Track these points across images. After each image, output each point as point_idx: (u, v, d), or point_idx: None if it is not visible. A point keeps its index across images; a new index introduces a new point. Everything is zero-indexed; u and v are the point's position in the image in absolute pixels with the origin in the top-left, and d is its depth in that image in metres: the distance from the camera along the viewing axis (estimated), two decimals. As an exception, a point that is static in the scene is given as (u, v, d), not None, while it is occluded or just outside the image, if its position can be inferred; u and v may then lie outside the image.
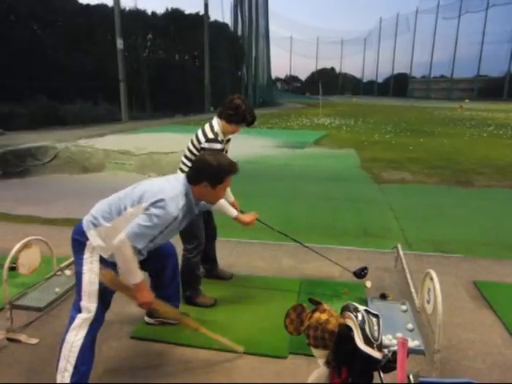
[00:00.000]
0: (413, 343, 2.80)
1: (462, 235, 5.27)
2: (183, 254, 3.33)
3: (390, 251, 4.36)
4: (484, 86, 65.72)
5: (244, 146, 11.85)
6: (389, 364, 1.49)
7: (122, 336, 2.93)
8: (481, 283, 3.84)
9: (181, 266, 3.35)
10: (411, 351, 2.54)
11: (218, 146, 3.10)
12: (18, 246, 2.97)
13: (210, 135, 3.10)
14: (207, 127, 3.18)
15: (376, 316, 1.59)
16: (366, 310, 1.59)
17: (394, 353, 1.47)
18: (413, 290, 3.37)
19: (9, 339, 2.81)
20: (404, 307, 3.30)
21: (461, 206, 6.63)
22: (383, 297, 3.49)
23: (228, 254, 4.39)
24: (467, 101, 51.09)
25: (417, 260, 4.34)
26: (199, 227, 3.33)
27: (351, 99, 59.61)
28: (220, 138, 3.14)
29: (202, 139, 3.11)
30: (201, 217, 3.35)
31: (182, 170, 3.27)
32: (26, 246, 3.05)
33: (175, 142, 10.63)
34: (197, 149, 3.15)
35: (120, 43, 19.50)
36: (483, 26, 66.40)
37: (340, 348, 1.54)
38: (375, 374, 1.63)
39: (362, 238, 5.16)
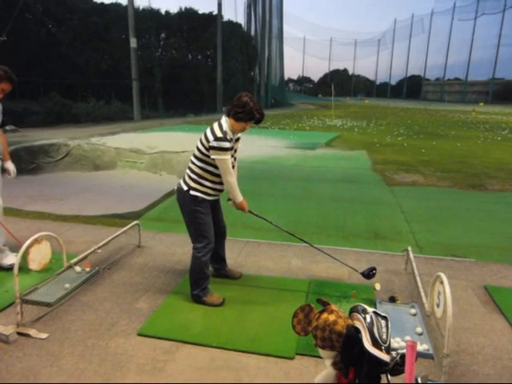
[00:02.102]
0: (421, 347, 2.78)
1: (473, 239, 5.20)
2: (193, 253, 3.34)
3: (400, 254, 4.33)
4: (499, 89, 65.01)
5: (255, 147, 11.86)
6: (397, 367, 1.47)
7: (129, 333, 2.94)
8: (492, 288, 3.79)
9: (190, 264, 3.37)
10: (420, 355, 2.51)
11: (227, 144, 3.10)
12: (28, 241, 3.00)
13: (219, 134, 3.10)
14: (216, 126, 3.18)
15: (385, 318, 1.57)
16: (374, 312, 1.58)
17: (403, 356, 1.46)
18: (422, 294, 3.33)
19: (19, 333, 2.84)
20: (413, 310, 3.27)
21: (473, 210, 6.55)
22: (392, 300, 3.46)
23: (237, 253, 4.39)
24: (482, 104, 50.52)
25: (427, 263, 4.30)
26: (208, 226, 3.33)
27: (364, 101, 59.32)
28: (229, 136, 3.14)
29: (211, 138, 3.11)
30: (210, 215, 3.36)
31: (191, 170, 3.28)
32: (36, 241, 3.08)
33: (187, 141, 10.66)
34: (206, 148, 3.15)
35: (133, 42, 19.62)
36: (500, 29, 65.69)
37: (347, 349, 1.53)
38: (383, 376, 1.62)
39: (372, 240, 5.11)
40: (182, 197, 3.29)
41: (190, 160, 3.33)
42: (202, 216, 3.28)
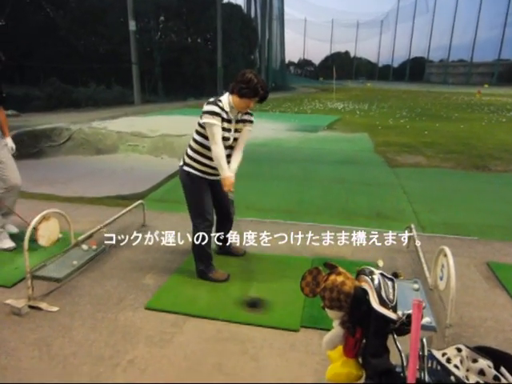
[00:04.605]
0: (424, 320, 2.82)
1: (476, 219, 5.22)
2: (193, 230, 3.36)
3: (403, 233, 4.34)
4: (505, 71, 64.10)
5: (256, 129, 11.79)
6: (403, 327, 1.51)
7: (137, 307, 3.00)
8: (494, 264, 3.83)
9: (192, 241, 3.38)
10: (423, 328, 2.55)
11: (216, 109, 3.08)
12: (37, 217, 3.03)
13: (211, 100, 3.14)
14: (213, 98, 3.19)
15: (391, 280, 1.61)
16: (381, 274, 1.62)
17: (409, 316, 1.50)
18: (425, 268, 3.38)
19: (30, 306, 2.90)
20: (416, 286, 3.30)
21: (476, 191, 6.56)
22: (395, 275, 3.47)
23: (241, 232, 4.41)
24: (487, 85, 50.05)
25: (430, 241, 4.32)
26: (205, 203, 3.32)
27: (366, 84, 58.87)
28: (223, 106, 3.12)
29: (204, 104, 3.15)
30: (207, 194, 3.35)
31: (190, 145, 3.30)
32: (44, 218, 3.12)
33: (188, 124, 10.60)
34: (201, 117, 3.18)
35: (132, 25, 19.43)
36: (507, 7, 64.31)
37: (355, 310, 1.57)
38: (389, 338, 1.66)
39: (375, 219, 5.14)
40: (180, 172, 3.35)
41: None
42: (197, 192, 3.28)
